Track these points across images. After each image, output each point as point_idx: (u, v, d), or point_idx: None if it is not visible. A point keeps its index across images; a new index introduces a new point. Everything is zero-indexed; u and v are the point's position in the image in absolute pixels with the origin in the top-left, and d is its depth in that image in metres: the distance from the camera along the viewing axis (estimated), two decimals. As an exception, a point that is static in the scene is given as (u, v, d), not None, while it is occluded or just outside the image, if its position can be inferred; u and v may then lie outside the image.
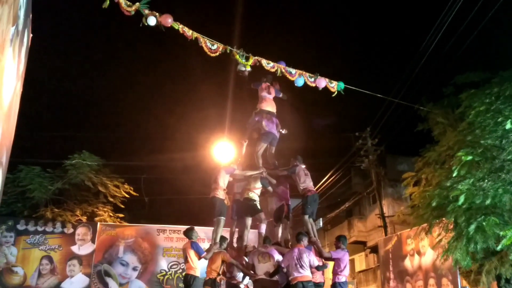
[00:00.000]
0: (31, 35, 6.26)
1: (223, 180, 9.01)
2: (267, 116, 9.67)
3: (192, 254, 8.52)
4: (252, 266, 8.29)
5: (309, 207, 8.84)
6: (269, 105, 9.83)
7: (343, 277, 8.33)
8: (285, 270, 7.93)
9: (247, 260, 8.82)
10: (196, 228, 18.05)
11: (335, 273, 8.37)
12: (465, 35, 12.48)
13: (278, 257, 8.20)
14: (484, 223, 8.82)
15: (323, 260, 8.44)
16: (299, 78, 9.20)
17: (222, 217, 8.79)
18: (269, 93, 9.92)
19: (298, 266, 7.71)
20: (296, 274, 7.67)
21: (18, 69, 4.88)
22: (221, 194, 8.87)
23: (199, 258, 8.55)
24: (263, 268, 8.10)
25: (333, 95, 9.61)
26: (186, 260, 8.68)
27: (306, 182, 9.12)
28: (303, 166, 9.42)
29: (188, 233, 8.98)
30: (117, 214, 19.63)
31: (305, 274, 7.73)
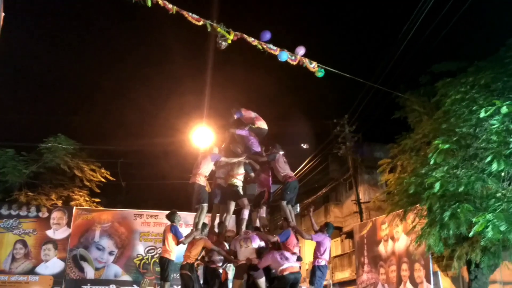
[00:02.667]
0: (3, 14, 6.08)
1: (207, 167, 8.92)
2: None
3: (170, 237, 8.51)
4: (234, 252, 8.32)
5: (288, 193, 8.89)
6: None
7: (323, 261, 8.46)
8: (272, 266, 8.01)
9: (227, 245, 8.86)
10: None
11: (315, 256, 8.50)
12: (442, 24, 12.62)
13: (260, 242, 8.26)
14: (458, 210, 9.01)
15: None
16: (282, 52, 9.15)
17: (205, 204, 8.75)
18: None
19: (284, 259, 7.79)
20: (286, 265, 7.73)
21: (-10, 49, 4.74)
22: (202, 180, 8.79)
23: (177, 242, 8.53)
24: (245, 253, 8.14)
25: (316, 74, 9.55)
26: (163, 243, 8.66)
27: (286, 169, 9.16)
28: (282, 153, 9.44)
29: (170, 217, 8.93)
30: (93, 199, 19.45)
31: (294, 265, 7.86)
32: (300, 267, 8.51)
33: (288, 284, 7.63)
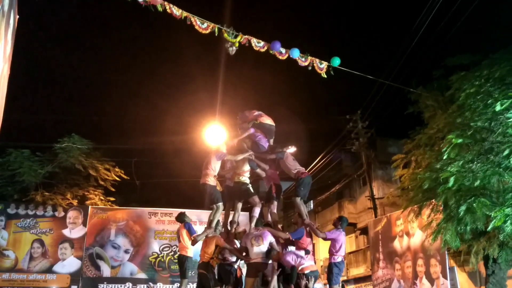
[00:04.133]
0: (18, 16, 6.14)
1: (214, 166, 8.88)
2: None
3: (184, 233, 8.59)
4: (246, 249, 8.31)
5: (302, 189, 8.79)
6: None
7: (339, 257, 8.39)
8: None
9: (237, 242, 8.85)
10: (188, 211, 18.15)
11: (331, 253, 8.42)
12: (456, 17, 12.47)
13: (271, 239, 8.22)
14: (474, 205, 8.92)
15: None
16: (294, 50, 9.13)
17: (220, 203, 8.73)
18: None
19: (300, 257, 7.77)
20: (305, 264, 7.71)
21: (5, 51, 4.80)
22: (211, 180, 8.75)
23: (191, 239, 8.57)
24: (256, 251, 8.10)
25: (322, 75, 9.53)
26: (179, 240, 8.73)
27: (296, 166, 9.07)
28: (289, 152, 9.39)
29: (180, 218, 8.98)
30: (108, 198, 19.61)
31: (311, 263, 7.85)
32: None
33: (310, 281, 7.59)
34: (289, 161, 8.99)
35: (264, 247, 8.05)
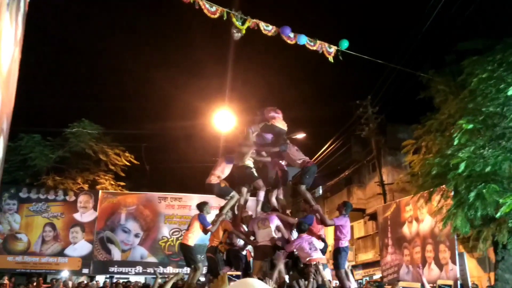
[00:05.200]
0: None
1: (221, 169, 9.01)
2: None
3: (195, 224, 8.59)
4: (253, 233, 8.37)
5: (307, 177, 8.81)
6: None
7: (345, 242, 8.46)
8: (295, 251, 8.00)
9: (244, 227, 8.91)
10: (196, 195, 18.31)
11: (337, 238, 8.46)
12: (469, 0, 12.27)
13: (278, 222, 8.26)
14: (484, 191, 8.86)
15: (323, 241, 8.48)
16: (301, 36, 9.08)
17: (232, 193, 8.87)
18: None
19: (313, 249, 7.78)
20: (314, 255, 7.72)
21: (16, 35, 4.80)
22: (214, 179, 8.89)
23: (205, 230, 8.57)
24: (263, 234, 8.16)
25: (330, 59, 9.46)
26: (187, 229, 8.77)
27: (301, 155, 9.06)
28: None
29: (200, 206, 8.94)
30: (118, 182, 19.77)
31: (322, 256, 7.85)
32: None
33: (314, 273, 7.59)
34: (292, 152, 8.98)
35: (270, 230, 8.10)
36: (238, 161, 9.06)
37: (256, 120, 9.45)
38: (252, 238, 8.48)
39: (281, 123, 9.24)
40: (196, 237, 8.64)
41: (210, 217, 8.98)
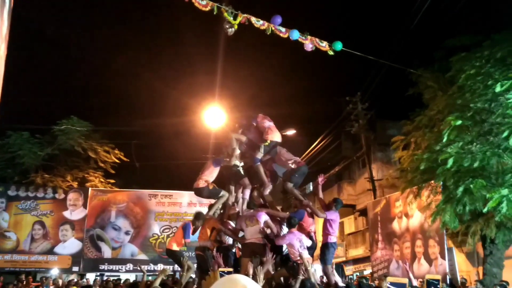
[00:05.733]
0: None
1: (210, 173, 9.02)
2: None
3: (179, 233, 8.70)
4: (241, 230, 8.37)
5: (296, 176, 8.81)
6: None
7: (334, 238, 8.48)
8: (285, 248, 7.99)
9: (232, 223, 8.92)
10: (187, 192, 18.27)
11: (327, 233, 8.45)
12: (457, -3, 12.34)
13: (266, 218, 8.25)
14: (471, 186, 8.95)
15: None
16: (293, 31, 9.07)
17: (222, 192, 8.97)
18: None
19: (303, 247, 7.78)
20: (304, 255, 7.72)
21: (1, 31, 4.75)
22: (201, 183, 8.93)
23: (183, 241, 8.63)
24: (251, 232, 8.15)
25: (329, 52, 9.46)
26: (174, 235, 8.84)
27: (292, 156, 9.06)
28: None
29: (194, 218, 8.96)
30: (108, 180, 19.66)
31: (309, 256, 7.85)
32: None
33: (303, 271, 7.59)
34: (283, 154, 8.98)
35: (259, 227, 8.09)
36: (226, 162, 9.09)
37: (247, 126, 9.40)
38: (241, 235, 8.47)
39: (276, 135, 9.12)
40: (179, 243, 8.68)
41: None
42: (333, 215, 8.53)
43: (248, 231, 8.16)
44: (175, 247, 8.62)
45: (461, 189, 9.14)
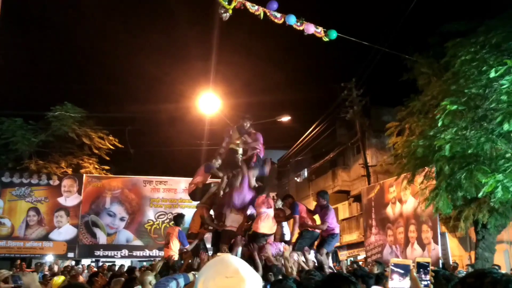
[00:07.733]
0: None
1: (200, 178, 9.20)
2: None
3: (175, 241, 8.65)
4: (224, 215, 8.38)
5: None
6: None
7: (337, 229, 8.68)
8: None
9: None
10: (182, 179, 18.27)
11: (333, 227, 8.59)
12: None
13: (251, 210, 8.36)
14: (475, 172, 8.99)
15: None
16: (290, 16, 9.01)
17: (212, 184, 9.26)
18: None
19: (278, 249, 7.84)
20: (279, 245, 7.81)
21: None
22: (191, 188, 9.25)
23: (181, 249, 8.60)
24: (232, 219, 8.20)
25: (324, 39, 9.40)
26: (167, 245, 8.73)
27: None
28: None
29: (177, 220, 9.15)
30: (102, 166, 19.62)
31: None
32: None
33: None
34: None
35: (240, 217, 8.18)
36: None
37: (241, 129, 9.39)
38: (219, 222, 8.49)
39: (262, 152, 9.27)
40: (176, 250, 8.67)
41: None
42: (331, 216, 8.49)
43: (230, 218, 8.22)
44: (176, 257, 8.56)
45: (463, 174, 9.17)
